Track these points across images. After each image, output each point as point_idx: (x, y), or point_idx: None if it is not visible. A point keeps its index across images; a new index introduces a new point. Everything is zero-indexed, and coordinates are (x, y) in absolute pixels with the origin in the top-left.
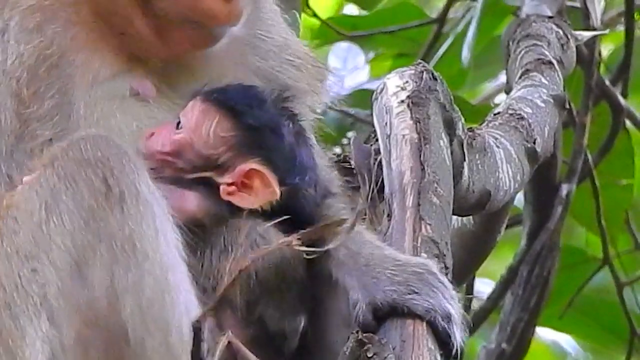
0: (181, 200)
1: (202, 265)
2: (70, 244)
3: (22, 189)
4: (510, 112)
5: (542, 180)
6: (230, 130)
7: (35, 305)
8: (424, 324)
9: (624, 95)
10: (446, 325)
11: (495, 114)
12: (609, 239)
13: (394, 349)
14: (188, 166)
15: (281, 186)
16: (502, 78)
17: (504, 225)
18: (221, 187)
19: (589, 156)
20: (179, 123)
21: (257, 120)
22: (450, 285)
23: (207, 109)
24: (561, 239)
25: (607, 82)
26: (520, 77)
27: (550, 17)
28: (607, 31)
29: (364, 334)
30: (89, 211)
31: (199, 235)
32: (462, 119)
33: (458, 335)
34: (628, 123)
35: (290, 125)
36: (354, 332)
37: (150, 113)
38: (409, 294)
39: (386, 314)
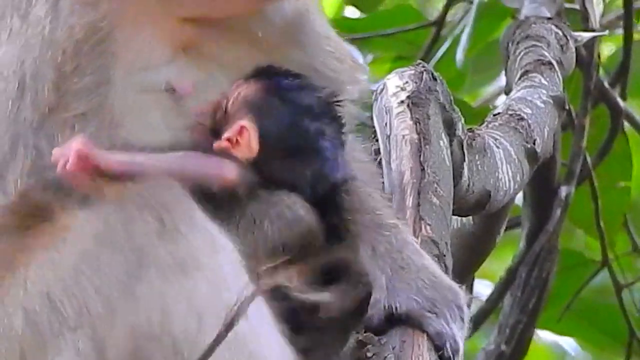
0: (220, 167)
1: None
2: (120, 276)
3: (80, 216)
4: (510, 112)
5: (541, 183)
6: (254, 91)
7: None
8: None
9: (623, 98)
10: (452, 356)
11: (495, 115)
12: (607, 241)
13: (393, 349)
14: (213, 125)
15: (268, 149)
16: (502, 81)
17: (504, 226)
18: (215, 143)
19: (588, 158)
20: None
21: (282, 89)
22: (467, 323)
23: (248, 78)
24: (560, 241)
25: (606, 85)
26: (519, 78)
27: (549, 19)
28: (606, 32)
29: (364, 334)
30: (140, 247)
31: (226, 207)
32: (462, 120)
33: None
34: (627, 125)
35: (323, 114)
36: (354, 332)
37: (181, 111)
38: (430, 312)
39: (398, 321)
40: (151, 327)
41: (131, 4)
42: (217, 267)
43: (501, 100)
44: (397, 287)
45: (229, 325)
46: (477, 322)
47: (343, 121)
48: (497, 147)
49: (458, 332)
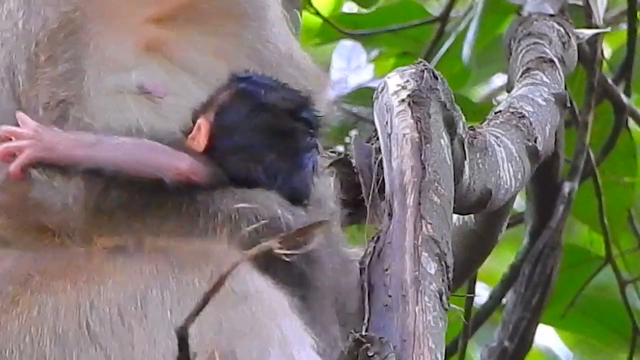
0: (173, 156)
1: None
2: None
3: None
4: (511, 110)
5: (544, 179)
6: (217, 92)
7: None
8: (424, 323)
9: (627, 94)
10: None
11: (496, 113)
12: (611, 237)
13: (394, 347)
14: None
15: (216, 144)
16: (504, 76)
17: (505, 224)
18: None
19: (592, 155)
20: None
21: (240, 90)
22: None
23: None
24: (563, 237)
25: (610, 81)
26: (521, 76)
27: (552, 16)
28: (608, 29)
29: (364, 334)
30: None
31: (197, 203)
32: (463, 118)
33: None
34: (631, 121)
35: (296, 120)
36: (352, 331)
37: (158, 112)
38: None
39: None
40: None
41: None
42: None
43: (504, 96)
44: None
45: (217, 284)
46: (480, 319)
47: (316, 123)
48: (499, 146)
49: None
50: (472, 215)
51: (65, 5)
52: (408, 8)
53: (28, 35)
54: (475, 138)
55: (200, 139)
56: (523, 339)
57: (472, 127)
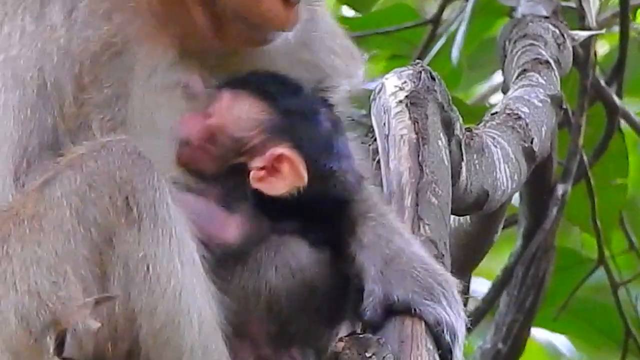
0: (222, 226)
1: (230, 285)
2: (94, 255)
3: (46, 192)
4: (507, 112)
5: (538, 181)
6: (262, 113)
7: (55, 320)
8: (423, 325)
9: (619, 96)
10: (450, 343)
11: (492, 114)
12: (603, 239)
13: (392, 348)
14: (222, 152)
15: (313, 171)
16: (497, 78)
17: (501, 225)
18: (251, 173)
19: (585, 156)
20: (208, 112)
21: (291, 104)
22: (463, 309)
23: (237, 94)
24: (556, 239)
25: (602, 83)
26: (517, 77)
27: (546, 17)
28: (603, 31)
29: (363, 334)
30: (110, 227)
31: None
32: (460, 119)
33: (459, 355)
34: (623, 123)
35: (328, 113)
36: (349, 333)
37: (196, 107)
38: (428, 300)
39: (395, 311)
40: (118, 326)
41: (142, 16)
42: (177, 273)
43: (497, 98)
44: (391, 277)
45: None
46: (474, 321)
47: (339, 118)
48: (495, 147)
49: (456, 319)
50: (468, 217)
51: (106, 26)
52: (401, 11)
53: (72, 55)
54: (472, 139)
55: (295, 173)
56: (516, 341)
57: (469, 128)
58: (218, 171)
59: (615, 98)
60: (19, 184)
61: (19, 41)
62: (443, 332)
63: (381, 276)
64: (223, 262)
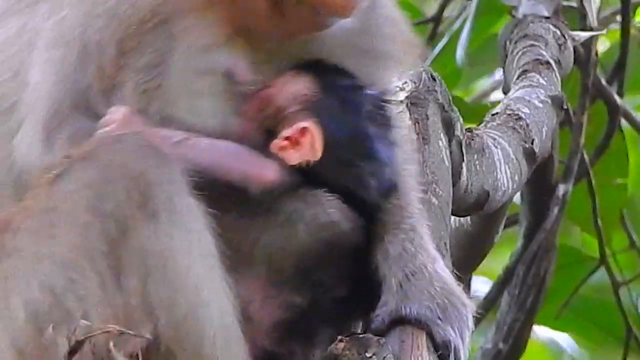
0: (261, 167)
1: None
2: (110, 249)
3: (58, 185)
4: (508, 112)
5: (539, 180)
6: (308, 90)
7: (69, 317)
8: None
9: (620, 95)
10: None
11: (493, 115)
12: (605, 238)
13: (392, 349)
14: (263, 117)
15: (330, 154)
16: (497, 76)
17: (502, 225)
18: (275, 140)
19: (585, 156)
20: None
21: (339, 94)
22: (470, 336)
23: (297, 72)
24: (557, 238)
25: (603, 82)
26: (518, 78)
27: (547, 18)
28: (604, 31)
29: (363, 334)
30: (127, 220)
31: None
32: (461, 119)
33: None
34: (624, 122)
35: (375, 117)
36: (349, 333)
37: (234, 97)
38: (440, 320)
39: (404, 324)
40: (136, 319)
41: None
42: (195, 266)
43: (496, 95)
44: (409, 291)
45: None
46: (475, 320)
47: (392, 122)
48: (496, 147)
49: (463, 344)
50: (468, 217)
51: None
52: (402, 8)
53: (118, 19)
54: (472, 140)
55: (312, 147)
56: (517, 340)
57: (469, 128)
58: (254, 134)
59: (616, 97)
60: (47, 142)
61: (68, 3)
62: (448, 355)
63: (400, 289)
64: (253, 212)
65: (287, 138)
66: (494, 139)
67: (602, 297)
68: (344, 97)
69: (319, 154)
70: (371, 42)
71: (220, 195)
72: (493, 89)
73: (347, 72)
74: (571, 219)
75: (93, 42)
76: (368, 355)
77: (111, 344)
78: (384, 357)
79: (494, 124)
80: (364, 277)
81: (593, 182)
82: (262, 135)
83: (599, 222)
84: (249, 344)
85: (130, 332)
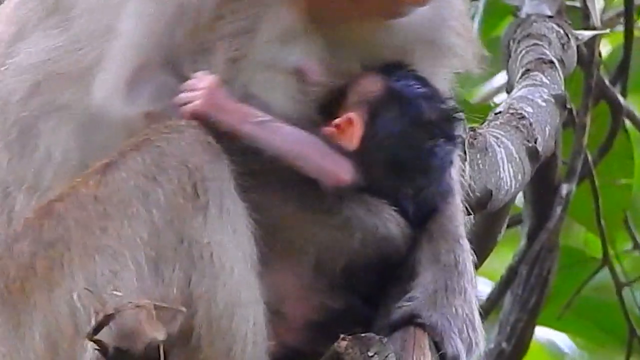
0: (338, 165)
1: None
2: (154, 239)
3: (110, 173)
4: (511, 111)
5: (542, 181)
6: (374, 86)
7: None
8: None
9: (624, 95)
10: None
11: (496, 114)
12: (608, 239)
13: (394, 348)
14: (329, 100)
15: (376, 159)
16: (501, 78)
17: (505, 224)
18: (326, 127)
19: (589, 156)
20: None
21: (404, 99)
22: None
23: (374, 71)
24: (560, 239)
25: (607, 82)
26: (521, 77)
27: (550, 17)
28: (607, 30)
29: (365, 333)
30: (175, 210)
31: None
32: (464, 119)
33: None
34: (627, 122)
35: (438, 128)
36: (351, 332)
37: (306, 96)
38: (455, 334)
39: (417, 325)
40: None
41: None
42: (239, 264)
43: (501, 97)
44: (436, 301)
45: None
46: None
47: (458, 138)
48: (499, 146)
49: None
50: (471, 216)
51: None
52: None
53: None
54: (475, 139)
55: (352, 137)
56: (520, 340)
57: (472, 128)
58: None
59: (620, 97)
60: (129, 96)
61: None
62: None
63: (426, 295)
64: (316, 207)
65: (336, 125)
66: (497, 138)
67: (604, 298)
68: (405, 104)
69: (354, 145)
70: (437, 34)
71: (288, 183)
72: (497, 91)
73: (425, 79)
74: (574, 219)
75: (191, 4)
76: (370, 354)
77: (143, 318)
78: (386, 356)
79: (497, 123)
80: (398, 280)
81: (596, 182)
82: (322, 120)
83: (602, 222)
84: (276, 339)
85: (166, 305)
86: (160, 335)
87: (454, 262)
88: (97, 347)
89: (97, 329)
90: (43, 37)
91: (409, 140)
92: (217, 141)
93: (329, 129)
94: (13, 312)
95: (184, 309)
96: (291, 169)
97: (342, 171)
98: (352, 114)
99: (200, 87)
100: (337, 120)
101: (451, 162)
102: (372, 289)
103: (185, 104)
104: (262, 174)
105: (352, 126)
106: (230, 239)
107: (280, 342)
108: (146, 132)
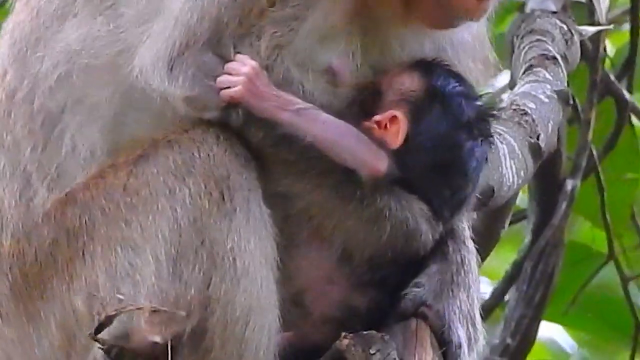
0: (375, 155)
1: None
2: (176, 237)
3: (141, 165)
4: (514, 107)
5: (547, 176)
6: (414, 85)
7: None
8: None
9: (629, 91)
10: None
11: (499, 110)
12: (614, 234)
13: (396, 345)
14: (368, 97)
15: (418, 159)
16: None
17: (508, 220)
18: (366, 123)
19: (594, 151)
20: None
21: (443, 98)
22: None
23: (413, 67)
24: (566, 234)
25: (612, 78)
26: (524, 73)
27: (554, 13)
28: (611, 26)
29: (367, 331)
30: (200, 211)
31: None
32: None
33: None
34: (633, 118)
35: (476, 128)
36: (349, 332)
37: (335, 98)
38: (459, 325)
39: (421, 315)
40: (189, 307)
41: None
42: (261, 270)
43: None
44: (443, 293)
45: None
46: (482, 316)
47: (492, 137)
48: (501, 143)
49: (473, 350)
50: (474, 212)
51: None
52: None
53: None
54: None
55: (395, 136)
56: (525, 336)
57: None
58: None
59: (626, 93)
60: (171, 72)
61: None
62: (457, 354)
63: (438, 286)
64: (348, 197)
65: (377, 122)
66: (500, 134)
67: (610, 293)
68: (447, 103)
69: (398, 143)
70: (453, 53)
71: (322, 171)
72: (502, 88)
73: (462, 77)
74: (580, 214)
75: None
76: (372, 351)
77: (142, 320)
78: (388, 354)
79: (500, 119)
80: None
81: (602, 177)
82: (358, 113)
83: (608, 217)
84: (294, 330)
85: (165, 309)
86: (157, 338)
87: (461, 261)
88: (100, 347)
89: (99, 329)
90: (85, 22)
91: (451, 141)
92: (249, 142)
93: (368, 124)
94: (27, 299)
95: (183, 313)
96: (326, 158)
97: (378, 162)
98: (396, 112)
99: (241, 71)
100: (378, 117)
101: (486, 162)
102: (395, 285)
103: (224, 88)
104: (296, 162)
105: (397, 124)
106: (254, 246)
107: (299, 334)
108: (179, 134)
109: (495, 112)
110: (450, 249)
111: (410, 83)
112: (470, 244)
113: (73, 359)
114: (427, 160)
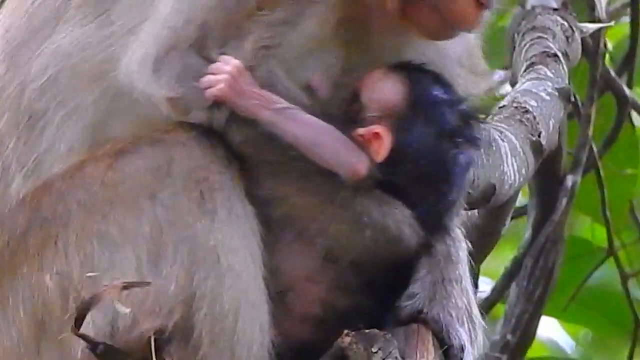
0: (356, 158)
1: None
2: (155, 234)
3: (121, 161)
4: (515, 105)
5: (547, 172)
6: (396, 96)
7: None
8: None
9: (629, 86)
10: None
11: (500, 107)
12: (613, 230)
13: (398, 344)
14: (346, 107)
15: (403, 170)
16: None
17: (509, 218)
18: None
19: (594, 147)
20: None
21: (426, 106)
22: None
23: (391, 71)
24: (566, 230)
25: (612, 73)
26: (525, 70)
27: (555, 9)
28: (612, 23)
29: (369, 330)
30: (180, 211)
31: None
32: None
33: None
34: (633, 114)
35: (461, 134)
36: (355, 328)
37: (314, 108)
38: (459, 326)
39: (421, 321)
40: (172, 303)
41: None
42: (247, 266)
43: (505, 89)
44: (437, 293)
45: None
46: (483, 312)
47: (478, 141)
48: (502, 140)
49: (474, 351)
50: (475, 211)
51: None
52: None
53: None
54: None
55: (377, 152)
56: (525, 332)
57: None
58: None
59: (626, 88)
60: (156, 73)
61: None
62: (458, 355)
63: (430, 289)
64: (330, 199)
65: (360, 135)
66: (501, 132)
67: (610, 289)
68: (430, 113)
69: (381, 159)
70: (443, 60)
71: (304, 173)
72: (501, 82)
73: (445, 81)
74: (580, 210)
75: None
76: (374, 350)
77: (116, 299)
78: (390, 352)
79: (501, 116)
80: (401, 281)
81: (602, 173)
82: (343, 121)
83: (608, 213)
84: (279, 330)
85: (134, 282)
86: (121, 308)
87: (447, 252)
88: (86, 345)
89: (79, 318)
90: (77, 28)
91: (435, 152)
92: (233, 144)
93: (352, 135)
94: None
95: (149, 281)
96: (308, 160)
97: (359, 163)
98: (379, 128)
99: (224, 70)
100: (361, 131)
101: (471, 165)
102: (380, 288)
103: (208, 87)
104: (278, 164)
105: (379, 140)
106: (238, 243)
107: (283, 333)
108: (160, 135)
109: (480, 116)
110: (435, 242)
111: (391, 93)
112: (456, 233)
113: (43, 346)
114: (410, 171)
